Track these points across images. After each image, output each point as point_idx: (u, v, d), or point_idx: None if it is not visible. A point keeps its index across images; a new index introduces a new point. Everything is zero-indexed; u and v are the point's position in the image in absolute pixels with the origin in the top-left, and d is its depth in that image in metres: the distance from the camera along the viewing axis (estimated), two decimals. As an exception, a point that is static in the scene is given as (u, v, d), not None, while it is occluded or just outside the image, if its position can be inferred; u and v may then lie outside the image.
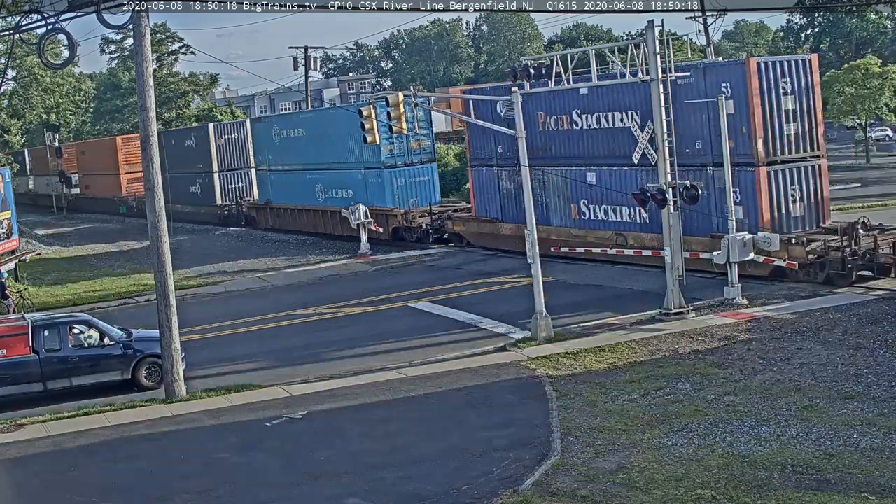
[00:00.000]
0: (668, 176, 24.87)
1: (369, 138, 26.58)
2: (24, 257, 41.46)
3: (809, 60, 28.98)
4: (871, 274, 26.89)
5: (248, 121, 62.46)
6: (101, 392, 22.77)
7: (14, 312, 30.76)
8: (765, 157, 28.01)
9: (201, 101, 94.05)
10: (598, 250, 32.74)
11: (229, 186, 59.78)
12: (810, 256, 26.85)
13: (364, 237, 41.69)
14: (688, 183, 25.39)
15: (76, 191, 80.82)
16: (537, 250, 24.63)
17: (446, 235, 41.84)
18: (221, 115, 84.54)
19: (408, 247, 42.14)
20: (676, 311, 24.74)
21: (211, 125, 62.54)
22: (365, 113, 26.27)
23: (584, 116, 33.51)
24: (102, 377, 23.16)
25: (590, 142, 33.40)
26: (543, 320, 24.01)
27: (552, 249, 33.59)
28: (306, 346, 26.53)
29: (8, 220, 38.72)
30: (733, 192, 26.67)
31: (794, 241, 27.38)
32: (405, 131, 26.53)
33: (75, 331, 23.34)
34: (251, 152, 57.96)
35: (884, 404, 16.91)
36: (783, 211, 28.24)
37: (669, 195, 24.60)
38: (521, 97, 24.99)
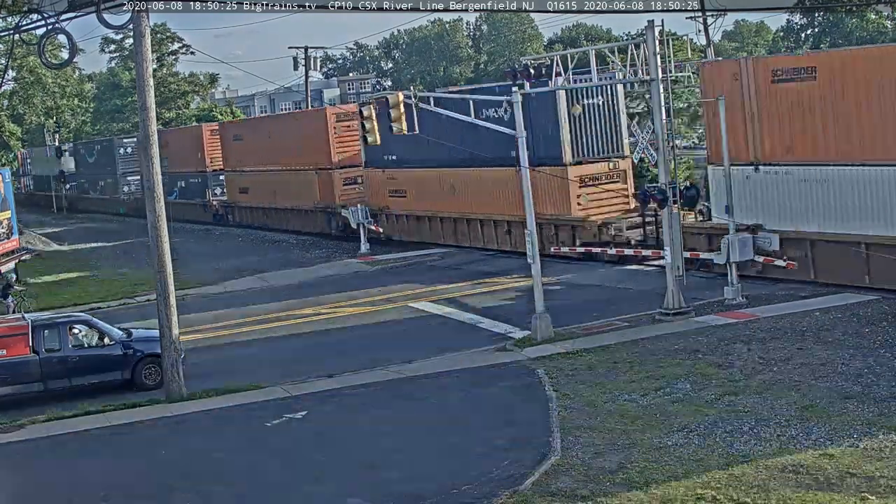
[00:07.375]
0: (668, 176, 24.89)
1: (370, 139, 26.53)
2: (23, 257, 41.45)
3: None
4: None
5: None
6: (101, 392, 22.78)
7: (14, 312, 30.76)
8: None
9: (201, 101, 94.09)
10: (599, 250, 32.74)
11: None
12: None
13: (364, 237, 41.69)
14: (688, 182, 25.37)
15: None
16: (537, 250, 24.63)
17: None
18: (221, 115, 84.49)
19: (408, 247, 41.91)
20: (676, 311, 24.73)
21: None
22: (366, 113, 26.23)
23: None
24: (102, 377, 23.16)
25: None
26: (543, 320, 24.00)
27: (552, 249, 33.60)
28: (306, 345, 26.53)
29: (8, 220, 38.72)
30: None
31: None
32: (406, 131, 26.45)
33: (75, 331, 23.35)
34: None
35: (884, 404, 16.89)
36: None
37: (670, 195, 24.61)
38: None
